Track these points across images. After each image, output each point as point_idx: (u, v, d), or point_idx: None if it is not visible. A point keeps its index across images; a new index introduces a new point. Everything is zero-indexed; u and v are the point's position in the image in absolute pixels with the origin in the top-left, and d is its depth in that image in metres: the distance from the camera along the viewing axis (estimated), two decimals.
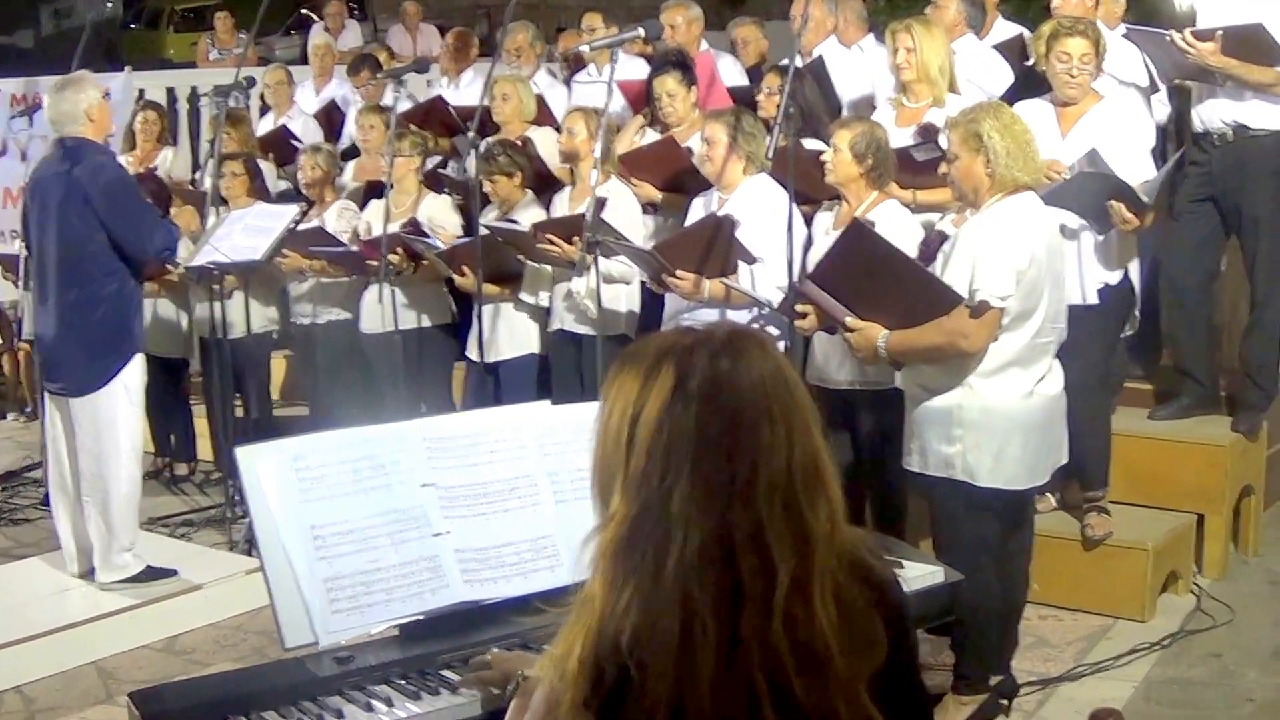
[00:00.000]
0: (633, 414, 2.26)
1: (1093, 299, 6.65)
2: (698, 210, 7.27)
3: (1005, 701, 5.98)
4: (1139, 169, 6.71)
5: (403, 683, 3.61)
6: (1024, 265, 5.45)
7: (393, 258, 8.30)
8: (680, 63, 8.52)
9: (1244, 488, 7.93)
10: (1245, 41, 7.23)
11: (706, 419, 2.22)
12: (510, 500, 3.94)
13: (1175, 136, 7.99)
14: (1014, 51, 8.34)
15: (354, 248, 8.77)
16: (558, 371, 8.12)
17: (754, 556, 2.18)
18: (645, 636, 2.16)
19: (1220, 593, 7.39)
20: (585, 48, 9.71)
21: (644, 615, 2.16)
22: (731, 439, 2.21)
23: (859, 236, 5.85)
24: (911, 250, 6.07)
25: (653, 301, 7.74)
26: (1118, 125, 6.78)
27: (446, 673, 3.63)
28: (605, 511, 2.28)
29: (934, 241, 5.91)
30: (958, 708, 5.87)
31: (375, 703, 3.52)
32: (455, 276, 8.30)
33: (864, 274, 5.70)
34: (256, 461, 3.74)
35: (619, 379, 2.31)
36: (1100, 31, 6.86)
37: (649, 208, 8.17)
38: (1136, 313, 7.22)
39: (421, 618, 3.77)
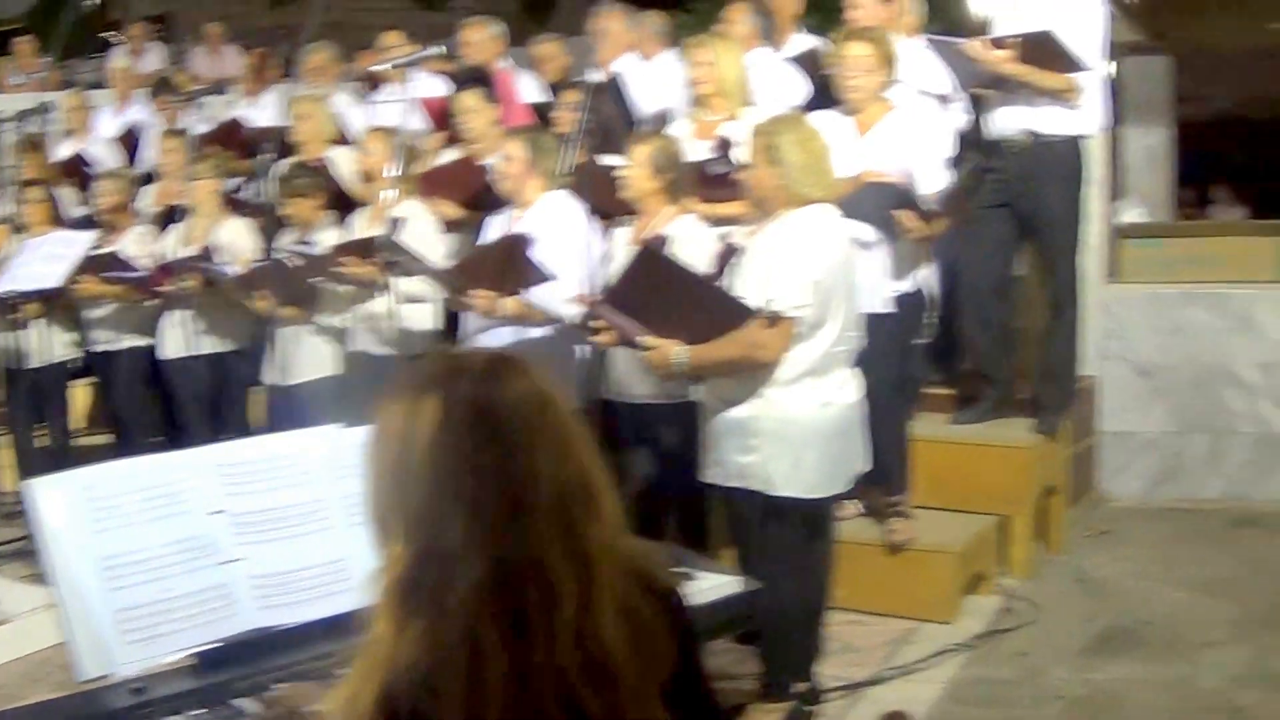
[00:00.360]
0: (401, 449, 2.23)
1: (887, 307, 6.69)
2: (494, 228, 7.23)
3: (810, 708, 6.00)
4: (931, 177, 6.78)
5: (198, 712, 3.55)
6: (819, 275, 5.48)
7: (188, 283, 8.19)
8: (481, 80, 8.50)
9: (1047, 488, 8.07)
10: (1039, 48, 7.36)
11: (474, 449, 2.20)
12: (304, 524, 3.93)
13: (976, 144, 8.08)
14: (810, 64, 8.39)
15: (150, 273, 8.63)
16: (357, 393, 8.01)
17: (536, 582, 2.17)
18: (434, 672, 2.13)
19: (1027, 592, 7.50)
20: (383, 66, 9.65)
21: (432, 651, 2.14)
22: (501, 467, 2.20)
23: (648, 259, 5.85)
24: (707, 263, 6.08)
25: (452, 320, 7.69)
26: (911, 134, 6.84)
27: (241, 701, 3.57)
28: (384, 549, 2.25)
29: (728, 254, 5.93)
30: (763, 716, 5.88)
31: None
32: (251, 301, 8.19)
33: (656, 294, 5.69)
34: (46, 493, 3.68)
35: (385, 413, 2.28)
36: (888, 40, 6.91)
37: (448, 226, 8.11)
38: (932, 318, 7.30)
39: (217, 645, 3.73)
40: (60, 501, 3.68)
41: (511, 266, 6.65)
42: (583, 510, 2.23)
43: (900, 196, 6.56)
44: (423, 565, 2.18)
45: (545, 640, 2.15)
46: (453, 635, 2.13)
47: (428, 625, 2.15)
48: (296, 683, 3.53)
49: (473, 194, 7.94)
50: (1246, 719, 6.09)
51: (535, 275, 6.67)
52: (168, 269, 8.27)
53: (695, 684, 2.40)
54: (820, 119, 6.56)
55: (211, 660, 3.74)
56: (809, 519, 5.78)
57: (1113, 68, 8.76)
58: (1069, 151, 7.73)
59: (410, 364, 2.46)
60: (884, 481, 7.08)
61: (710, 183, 6.90)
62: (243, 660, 3.72)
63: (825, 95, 7.45)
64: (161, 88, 11.62)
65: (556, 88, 9.70)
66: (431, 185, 8.05)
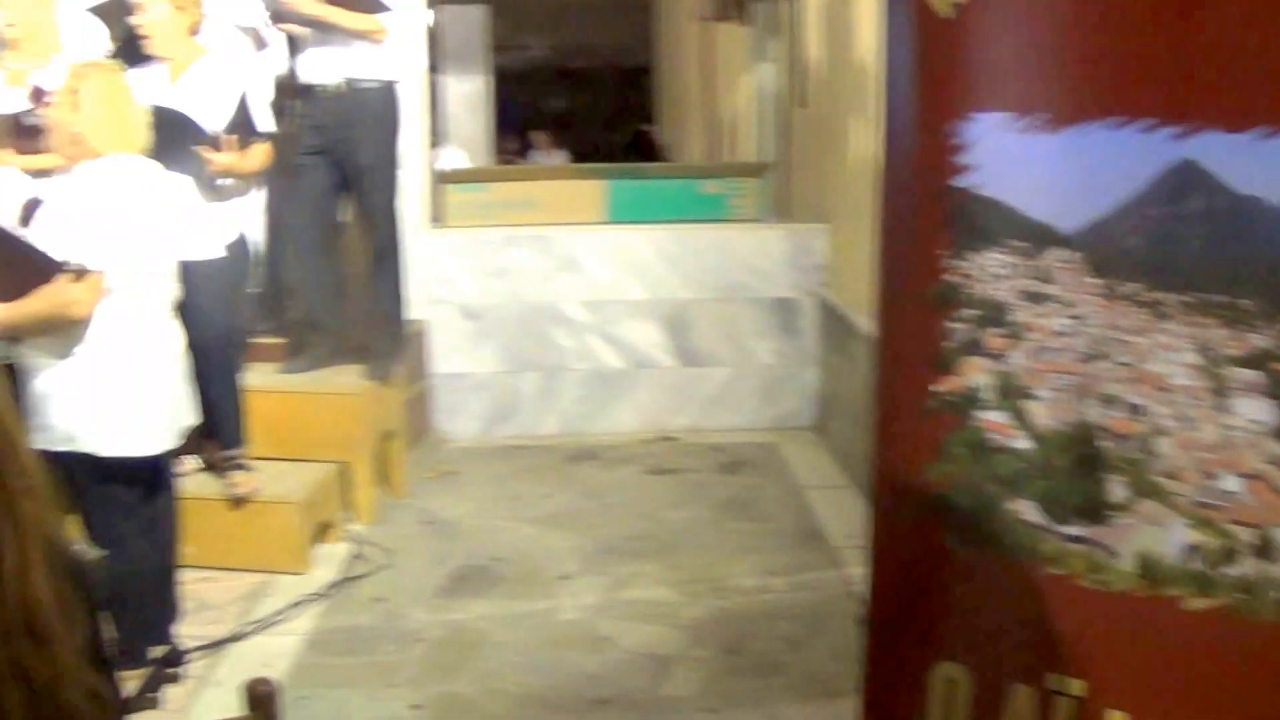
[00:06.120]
0: None
1: (208, 254, 6.46)
2: None
3: (173, 670, 5.81)
4: (251, 115, 6.70)
5: None
6: (122, 225, 5.31)
7: None
8: None
9: (384, 433, 8.09)
10: None
11: None
12: None
13: (292, 89, 7.96)
14: (116, 10, 8.08)
15: None
16: None
17: None
18: None
19: (376, 537, 7.51)
20: None
21: None
22: None
23: None
24: (12, 216, 5.79)
25: None
26: (223, 77, 6.73)
27: None
28: None
29: (32, 206, 5.64)
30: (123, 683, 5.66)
31: None
32: None
33: None
34: None
35: None
36: None
37: None
38: (256, 268, 7.18)
39: None
40: None
41: None
42: (14, 478, 2.11)
43: (193, 131, 6.44)
44: None
45: None
46: None
47: None
48: None
49: None
50: (609, 648, 6.21)
51: None
52: None
53: (100, 650, 2.32)
54: (139, 73, 6.36)
55: None
56: (143, 477, 5.60)
57: (431, 16, 8.79)
58: (382, 97, 7.73)
59: None
60: (220, 434, 6.92)
61: (24, 132, 6.56)
62: None
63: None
64: None
65: None
66: None
